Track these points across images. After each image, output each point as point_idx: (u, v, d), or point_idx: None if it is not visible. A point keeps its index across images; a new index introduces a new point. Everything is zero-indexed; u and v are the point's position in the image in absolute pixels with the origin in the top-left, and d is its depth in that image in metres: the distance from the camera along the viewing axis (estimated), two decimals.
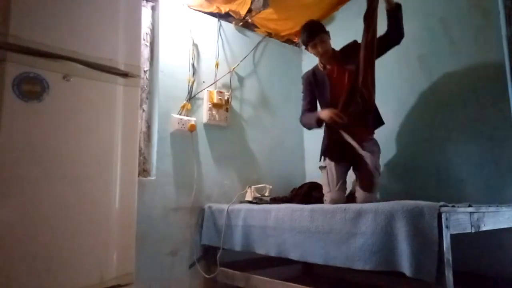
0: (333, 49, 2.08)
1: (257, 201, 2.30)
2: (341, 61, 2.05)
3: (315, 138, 2.90)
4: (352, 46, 2.03)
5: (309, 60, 3.06)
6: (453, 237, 1.20)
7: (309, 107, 2.16)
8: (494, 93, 1.91)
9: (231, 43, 2.69)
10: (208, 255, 2.26)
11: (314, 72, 2.15)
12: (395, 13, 1.83)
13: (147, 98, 2.32)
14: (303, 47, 3.09)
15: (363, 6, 2.67)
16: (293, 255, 1.64)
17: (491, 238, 1.72)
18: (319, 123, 2.01)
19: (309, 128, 2.18)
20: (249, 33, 2.82)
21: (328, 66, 2.09)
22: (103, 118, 1.52)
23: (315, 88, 2.13)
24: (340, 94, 1.95)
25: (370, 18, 1.80)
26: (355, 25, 2.66)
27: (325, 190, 2.02)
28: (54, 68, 1.40)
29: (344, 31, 2.77)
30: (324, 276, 2.27)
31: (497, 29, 1.90)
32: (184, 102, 2.37)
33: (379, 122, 2.05)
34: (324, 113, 1.95)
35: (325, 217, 1.53)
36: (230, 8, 2.62)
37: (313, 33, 2.01)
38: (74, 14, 1.49)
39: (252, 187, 2.38)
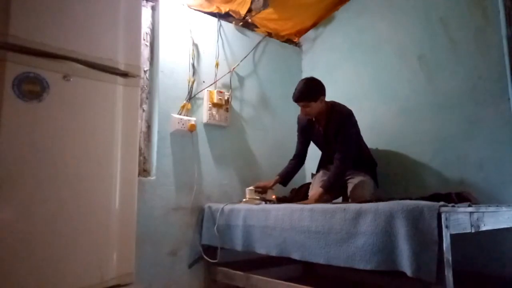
0: (326, 106, 2.15)
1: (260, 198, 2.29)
2: (325, 124, 2.19)
3: None
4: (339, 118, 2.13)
5: (309, 60, 3.07)
6: (453, 237, 1.20)
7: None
8: (494, 93, 1.91)
9: (231, 43, 2.69)
10: (208, 255, 2.26)
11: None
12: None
13: (147, 98, 2.32)
14: (303, 46, 3.13)
15: (363, 6, 2.69)
16: (294, 255, 1.64)
17: (491, 238, 1.73)
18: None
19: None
20: (249, 33, 2.81)
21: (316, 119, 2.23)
22: (103, 118, 1.52)
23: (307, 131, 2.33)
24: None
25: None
26: (355, 25, 2.69)
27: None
28: (54, 68, 1.40)
29: (344, 31, 2.78)
30: (324, 276, 2.27)
31: (497, 29, 1.90)
32: (184, 102, 2.37)
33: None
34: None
35: (324, 217, 1.53)
36: (230, 8, 2.62)
37: (298, 99, 2.11)
38: (74, 14, 1.49)
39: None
